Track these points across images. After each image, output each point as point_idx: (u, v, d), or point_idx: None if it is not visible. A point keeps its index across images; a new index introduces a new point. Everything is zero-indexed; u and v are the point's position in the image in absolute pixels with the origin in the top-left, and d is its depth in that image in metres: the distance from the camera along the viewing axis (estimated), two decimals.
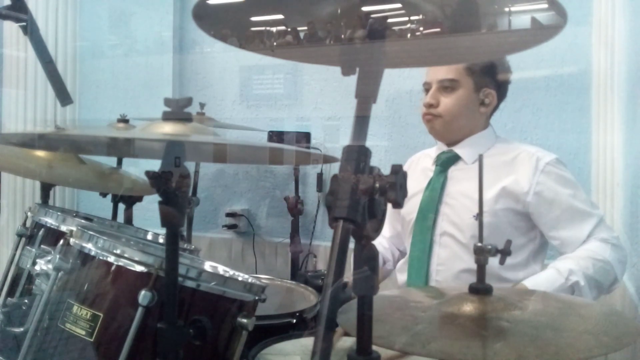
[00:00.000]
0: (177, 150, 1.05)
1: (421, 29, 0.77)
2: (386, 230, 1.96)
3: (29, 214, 1.64)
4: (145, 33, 3.26)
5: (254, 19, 0.86)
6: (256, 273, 2.70)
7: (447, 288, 1.26)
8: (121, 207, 2.07)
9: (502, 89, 1.77)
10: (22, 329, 1.24)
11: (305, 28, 0.82)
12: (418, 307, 1.06)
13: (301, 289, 1.81)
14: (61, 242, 1.23)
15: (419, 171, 1.86)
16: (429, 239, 1.74)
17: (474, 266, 1.64)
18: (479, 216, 1.06)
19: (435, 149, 1.86)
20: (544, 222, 1.66)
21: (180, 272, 1.08)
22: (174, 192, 1.02)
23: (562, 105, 2.52)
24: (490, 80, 1.74)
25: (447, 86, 1.73)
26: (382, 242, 1.94)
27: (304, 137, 2.92)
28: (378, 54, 0.78)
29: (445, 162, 1.78)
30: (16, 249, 1.61)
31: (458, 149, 1.78)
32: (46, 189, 1.98)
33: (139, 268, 1.11)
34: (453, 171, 1.77)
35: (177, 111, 1.06)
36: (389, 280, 1.96)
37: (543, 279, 1.54)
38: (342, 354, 1.18)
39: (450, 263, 1.71)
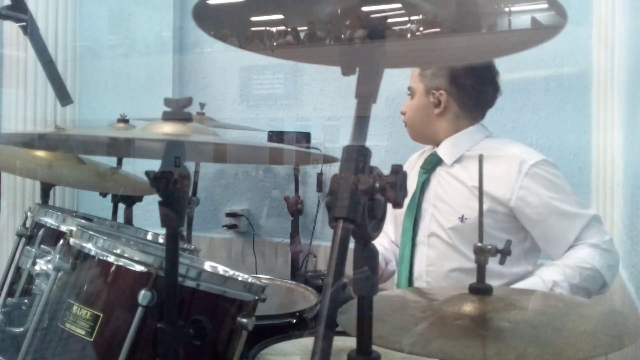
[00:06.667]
0: (177, 150, 1.04)
1: (421, 29, 0.77)
2: (391, 232, 1.97)
3: (29, 214, 1.64)
4: (145, 33, 3.26)
5: (254, 19, 0.86)
6: (256, 273, 2.70)
7: (445, 288, 1.26)
8: (121, 207, 2.07)
9: (460, 86, 1.75)
10: (22, 329, 1.24)
11: (305, 28, 0.82)
12: (418, 307, 1.06)
13: (301, 289, 1.80)
14: (61, 242, 1.23)
15: (415, 171, 1.87)
16: (412, 239, 1.77)
17: (463, 265, 1.67)
18: (479, 217, 1.06)
19: (430, 148, 1.88)
20: (530, 225, 1.65)
21: (180, 272, 1.08)
22: (174, 192, 1.02)
23: (562, 105, 2.52)
24: (441, 81, 1.75)
25: (410, 94, 1.84)
26: (382, 243, 1.95)
27: (304, 137, 2.92)
28: (378, 54, 0.78)
29: (432, 164, 1.80)
30: (16, 249, 1.61)
31: (439, 151, 1.80)
32: (46, 189, 1.97)
33: (139, 268, 1.11)
34: (439, 172, 1.78)
35: (177, 111, 1.06)
36: (390, 281, 1.96)
37: (526, 286, 1.55)
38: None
39: (440, 263, 1.72)
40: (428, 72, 1.76)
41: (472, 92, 1.77)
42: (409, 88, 1.84)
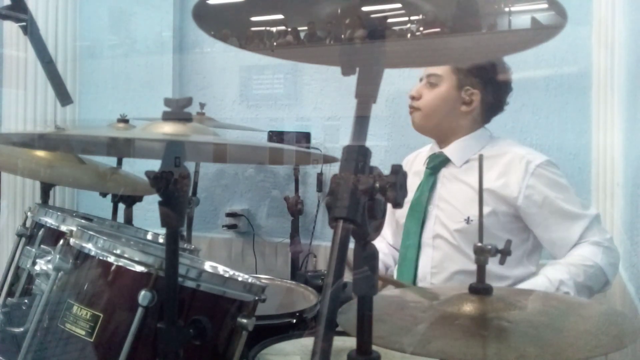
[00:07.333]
0: (177, 150, 1.04)
1: (421, 29, 0.77)
2: (389, 235, 1.97)
3: (29, 214, 1.64)
4: (145, 33, 3.26)
5: (254, 19, 0.86)
6: (256, 273, 2.69)
7: (446, 288, 1.26)
8: (121, 207, 2.07)
9: (492, 91, 1.74)
10: (22, 329, 1.23)
11: (305, 28, 0.82)
12: (418, 307, 1.06)
13: (301, 289, 1.80)
14: (61, 242, 1.23)
15: (413, 173, 1.86)
16: (417, 241, 1.75)
17: (468, 267, 1.66)
18: (479, 217, 1.06)
19: (428, 149, 1.87)
20: (534, 225, 1.66)
21: (180, 272, 1.08)
22: (174, 192, 1.02)
23: (562, 105, 2.52)
24: (477, 80, 1.73)
25: (432, 82, 1.75)
26: (381, 248, 1.94)
27: (304, 137, 2.92)
28: (378, 54, 0.78)
29: (437, 165, 1.79)
30: (16, 249, 1.61)
31: (447, 151, 1.78)
32: (46, 189, 1.98)
33: (139, 268, 1.11)
34: (444, 173, 1.77)
35: (177, 111, 1.06)
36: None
37: (533, 285, 1.56)
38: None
39: (445, 265, 1.72)
40: (464, 66, 1.70)
41: (497, 98, 1.76)
42: (432, 75, 1.75)
